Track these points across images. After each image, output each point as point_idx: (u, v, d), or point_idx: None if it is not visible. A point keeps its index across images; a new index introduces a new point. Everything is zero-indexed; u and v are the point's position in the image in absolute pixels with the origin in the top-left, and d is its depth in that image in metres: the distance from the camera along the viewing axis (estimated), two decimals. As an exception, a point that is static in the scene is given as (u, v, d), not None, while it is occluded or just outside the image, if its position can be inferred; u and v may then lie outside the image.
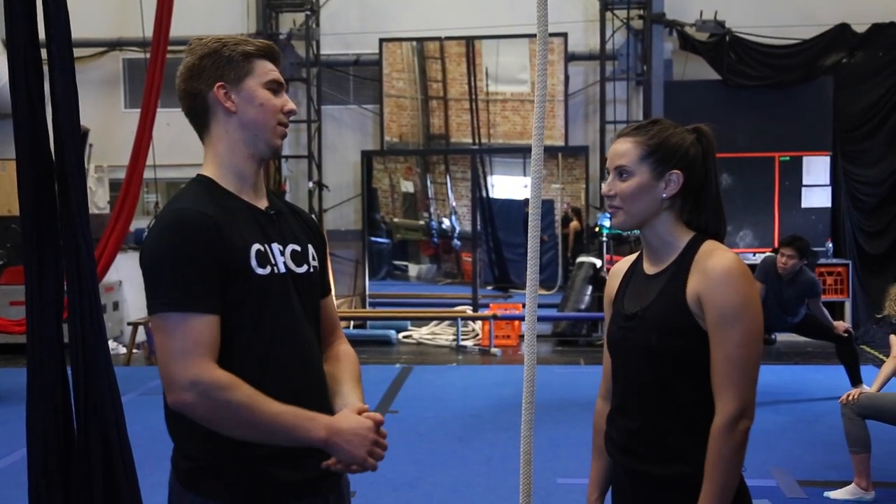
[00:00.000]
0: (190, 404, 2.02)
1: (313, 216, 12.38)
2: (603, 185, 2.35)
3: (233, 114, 2.18)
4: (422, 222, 12.79)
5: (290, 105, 2.24)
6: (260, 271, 2.13)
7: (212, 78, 2.17)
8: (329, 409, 2.23)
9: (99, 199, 11.75)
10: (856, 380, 7.40)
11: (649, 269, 2.37)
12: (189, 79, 2.19)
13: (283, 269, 2.19)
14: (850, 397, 5.27)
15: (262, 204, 2.25)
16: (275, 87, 2.21)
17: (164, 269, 2.05)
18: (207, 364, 2.03)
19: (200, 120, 2.22)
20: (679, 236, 2.31)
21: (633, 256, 2.48)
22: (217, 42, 2.19)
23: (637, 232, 2.38)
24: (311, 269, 2.29)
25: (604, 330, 10.90)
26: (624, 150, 2.30)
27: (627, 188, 2.28)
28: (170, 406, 2.07)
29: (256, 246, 2.14)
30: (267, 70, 2.21)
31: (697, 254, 2.26)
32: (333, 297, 2.50)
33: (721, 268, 2.19)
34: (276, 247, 2.20)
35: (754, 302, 2.21)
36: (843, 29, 11.40)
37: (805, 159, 11.51)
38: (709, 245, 2.27)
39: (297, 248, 2.25)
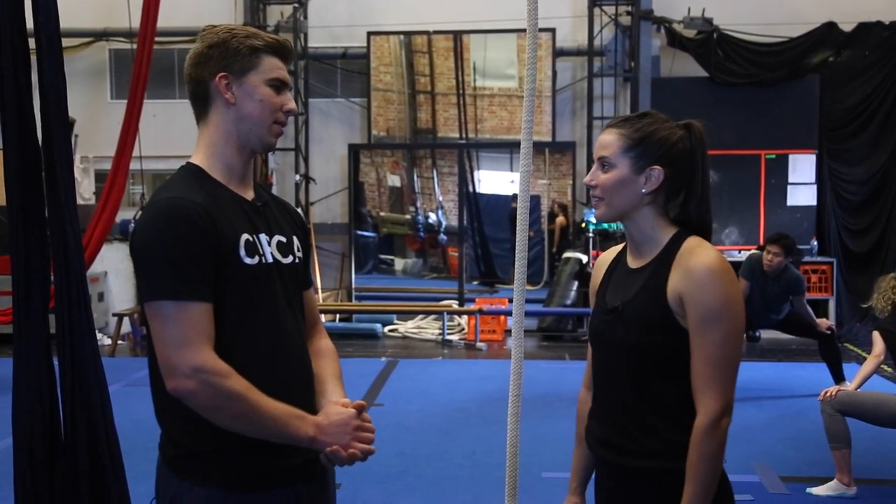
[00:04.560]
0: (191, 391, 2.03)
1: (300, 209, 12.26)
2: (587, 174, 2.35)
3: (231, 105, 2.20)
4: (408, 216, 12.78)
5: (291, 105, 2.26)
6: (248, 261, 2.15)
7: (216, 68, 2.18)
8: (313, 401, 2.26)
9: (84, 189, 11.71)
10: (838, 377, 7.45)
11: (632, 262, 2.35)
12: (195, 65, 2.21)
13: (270, 260, 2.21)
14: (829, 394, 5.31)
15: (249, 195, 2.27)
16: (277, 85, 2.22)
17: (158, 258, 2.06)
18: (209, 352, 2.05)
19: (200, 106, 2.24)
20: (662, 231, 2.30)
21: (619, 247, 2.47)
22: (227, 32, 2.21)
23: (623, 226, 2.38)
24: (297, 261, 2.31)
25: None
26: (608, 141, 2.29)
27: (607, 180, 2.28)
28: (169, 391, 2.07)
29: (245, 236, 2.16)
30: (272, 67, 2.22)
31: (680, 250, 2.24)
32: (314, 291, 2.51)
33: (703, 266, 2.17)
34: (263, 237, 2.22)
35: (737, 301, 2.20)
36: (830, 28, 11.44)
37: (791, 157, 11.56)
38: (691, 242, 2.25)
39: (283, 239, 2.28)
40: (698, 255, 2.20)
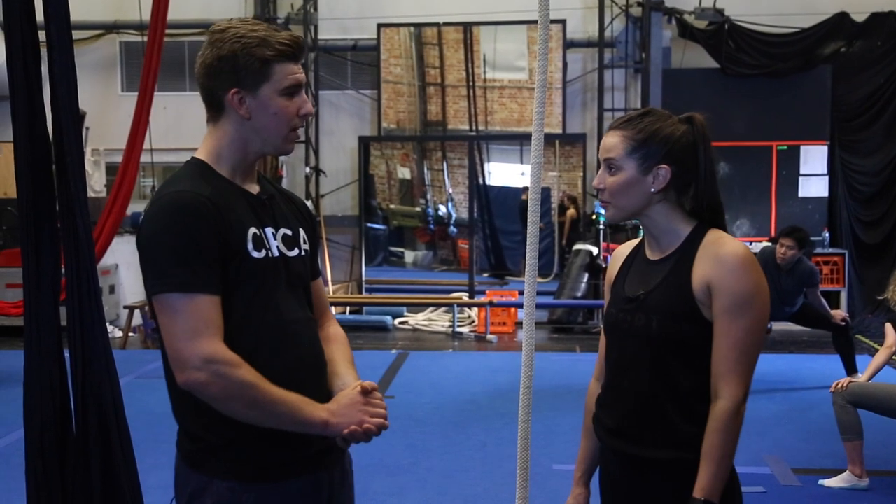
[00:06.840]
0: (203, 383, 2.03)
1: (310, 201, 12.22)
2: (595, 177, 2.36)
3: (246, 120, 2.18)
4: (418, 209, 12.78)
5: (307, 108, 2.23)
6: (256, 254, 2.15)
7: (227, 82, 2.16)
8: (325, 390, 2.26)
9: (95, 182, 11.73)
10: (851, 369, 7.42)
11: (651, 255, 2.37)
12: (206, 75, 2.19)
13: (276, 253, 2.21)
14: (840, 385, 5.29)
15: (254, 189, 2.26)
16: (292, 91, 2.19)
17: (166, 251, 2.06)
18: (219, 343, 2.05)
19: (214, 113, 2.22)
20: (680, 225, 2.31)
21: (636, 241, 2.48)
22: (237, 41, 2.15)
23: (635, 220, 2.38)
24: (303, 253, 2.31)
25: (602, 314, 10.97)
26: (612, 143, 2.30)
27: (615, 183, 2.29)
28: (180, 385, 2.07)
29: (252, 230, 2.16)
30: (285, 74, 2.18)
31: (703, 242, 2.26)
32: (322, 281, 2.51)
33: (733, 254, 2.20)
34: (269, 230, 2.22)
35: (765, 290, 2.23)
36: (842, 18, 11.39)
37: (803, 148, 11.51)
38: (714, 234, 2.28)
39: (289, 232, 2.27)
40: (726, 244, 2.24)
